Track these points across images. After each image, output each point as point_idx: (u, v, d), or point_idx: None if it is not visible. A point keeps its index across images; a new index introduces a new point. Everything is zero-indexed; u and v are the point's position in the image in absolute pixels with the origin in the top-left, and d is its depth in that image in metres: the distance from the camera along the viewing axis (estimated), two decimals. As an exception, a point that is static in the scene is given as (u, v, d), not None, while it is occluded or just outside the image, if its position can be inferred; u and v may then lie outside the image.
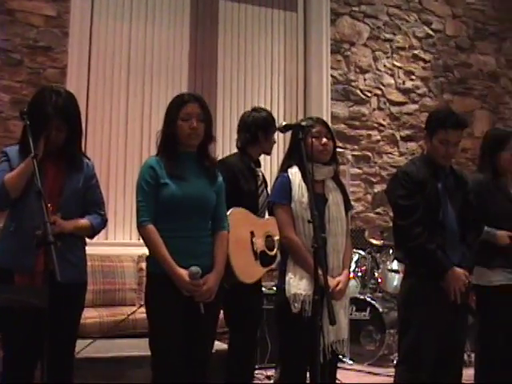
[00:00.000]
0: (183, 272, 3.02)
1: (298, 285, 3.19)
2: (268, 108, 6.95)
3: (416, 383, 3.40)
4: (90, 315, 4.90)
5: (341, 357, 4.95)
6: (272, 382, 5.04)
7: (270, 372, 5.23)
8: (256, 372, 5.20)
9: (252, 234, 3.77)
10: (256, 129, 4.00)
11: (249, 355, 3.87)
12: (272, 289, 5.26)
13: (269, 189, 4.07)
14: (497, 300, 3.88)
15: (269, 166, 6.77)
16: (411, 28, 8.04)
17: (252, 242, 3.78)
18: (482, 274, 3.93)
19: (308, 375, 3.24)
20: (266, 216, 3.94)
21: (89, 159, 3.28)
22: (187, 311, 3.06)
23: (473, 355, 5.84)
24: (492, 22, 8.81)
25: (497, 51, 8.84)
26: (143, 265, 5.19)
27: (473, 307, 3.90)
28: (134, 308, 4.97)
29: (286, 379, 3.34)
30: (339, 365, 3.62)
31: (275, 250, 3.92)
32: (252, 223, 3.71)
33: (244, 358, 3.83)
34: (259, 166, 4.06)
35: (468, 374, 3.92)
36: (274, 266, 3.96)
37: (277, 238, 3.89)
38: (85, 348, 4.11)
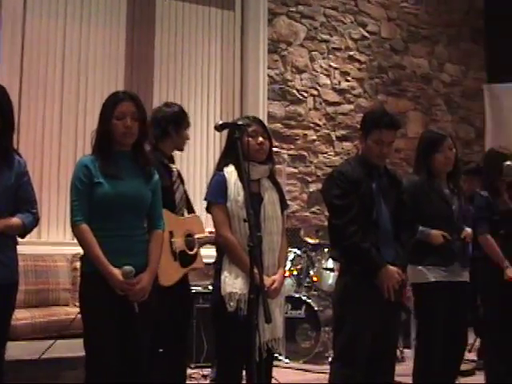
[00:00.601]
0: (116, 271, 2.99)
1: (233, 283, 3.20)
2: (205, 107, 7.03)
3: (351, 380, 3.44)
4: (21, 316, 4.78)
5: (276, 355, 4.98)
6: (208, 381, 5.03)
7: (206, 371, 5.21)
8: (192, 371, 5.22)
9: (171, 234, 3.69)
10: (167, 124, 3.88)
11: (179, 355, 3.82)
12: (208, 288, 5.25)
13: (186, 185, 4.03)
14: (432, 296, 3.96)
15: (205, 164, 6.75)
16: (347, 29, 8.15)
17: (170, 243, 3.71)
18: (417, 272, 4.02)
19: (244, 374, 3.25)
20: (186, 214, 3.90)
21: (21, 156, 3.21)
22: (121, 311, 3.03)
23: (405, 351, 6.00)
24: (425, 26, 9.01)
25: (429, 54, 9.04)
26: (77, 264, 5.09)
27: (406, 304, 3.98)
28: (67, 308, 4.87)
29: (222, 378, 3.34)
30: (275, 363, 3.62)
31: (195, 249, 3.88)
32: (171, 223, 3.62)
33: (174, 358, 3.79)
34: (173, 161, 3.95)
35: (400, 369, 4.00)
36: (197, 265, 3.92)
37: (197, 236, 3.87)
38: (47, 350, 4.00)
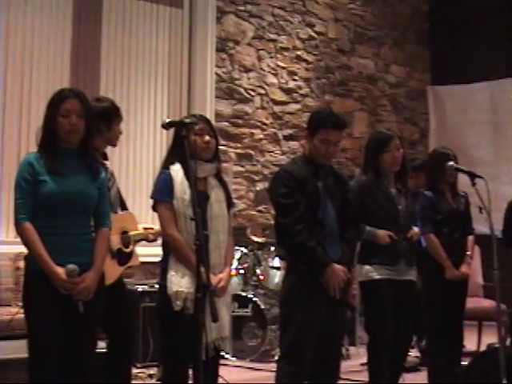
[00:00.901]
0: (60, 270, 2.96)
1: (179, 282, 3.19)
2: (152, 104, 6.98)
3: (297, 378, 3.47)
4: (-38, 316, 4.68)
5: (223, 353, 4.99)
6: (154, 381, 5.00)
7: (153, 371, 5.18)
8: (138, 371, 5.17)
9: None
10: (97, 119, 3.82)
11: (121, 355, 3.78)
12: (154, 286, 5.22)
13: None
14: (379, 293, 4.03)
15: (152, 162, 6.70)
16: (295, 29, 8.19)
17: None
18: (364, 271, 4.09)
19: (191, 373, 3.24)
20: (119, 211, 3.85)
21: None
22: (66, 310, 3.00)
23: (350, 348, 6.07)
24: (371, 28, 9.13)
25: (375, 55, 9.16)
26: (21, 263, 5.00)
27: (351, 302, 4.03)
28: (10, 309, 4.77)
29: (168, 378, 3.33)
30: (221, 361, 3.63)
31: (131, 246, 3.85)
32: None
33: (117, 358, 3.74)
34: (106, 158, 3.89)
35: (345, 365, 4.05)
36: (133, 262, 3.89)
37: (132, 233, 3.85)
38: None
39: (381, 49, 9.26)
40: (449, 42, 9.71)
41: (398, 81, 9.44)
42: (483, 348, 6.00)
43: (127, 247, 3.82)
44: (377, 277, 4.04)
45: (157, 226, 3.87)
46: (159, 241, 3.62)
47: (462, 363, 4.68)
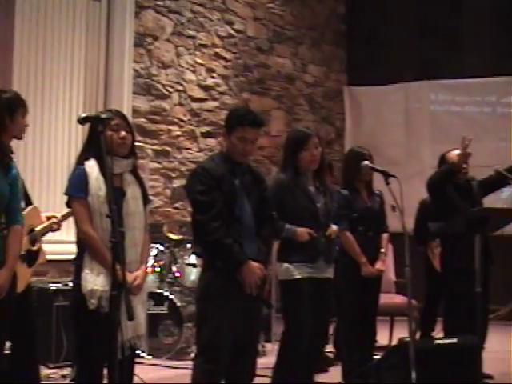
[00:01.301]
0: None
1: (94, 280, 3.13)
2: (67, 99, 6.81)
3: (213, 375, 3.47)
4: None
5: (139, 352, 4.94)
6: (68, 381, 4.90)
7: (66, 371, 5.07)
8: (51, 371, 5.07)
9: None
10: (0, 112, 3.71)
11: (25, 356, 3.67)
12: (68, 285, 5.11)
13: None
14: (298, 292, 4.07)
15: (67, 157, 6.54)
16: (214, 27, 8.18)
17: None
18: (284, 269, 4.11)
19: (106, 372, 3.19)
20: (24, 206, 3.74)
21: None
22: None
23: (267, 345, 6.11)
24: (290, 27, 9.22)
25: (293, 55, 9.26)
26: None
27: (267, 299, 4.05)
28: None
29: (82, 378, 3.27)
30: (137, 360, 3.59)
31: (38, 243, 3.76)
32: None
33: (21, 359, 3.64)
34: (12, 152, 3.77)
35: (262, 363, 4.07)
36: (41, 259, 3.80)
37: (38, 228, 3.76)
38: None
39: (299, 48, 9.37)
40: (365, 43, 9.93)
41: (315, 80, 9.58)
42: (395, 342, 6.17)
43: (34, 245, 3.72)
44: (297, 276, 4.07)
45: (59, 214, 3.79)
46: (74, 238, 3.54)
47: (375, 357, 4.79)
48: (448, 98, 9.64)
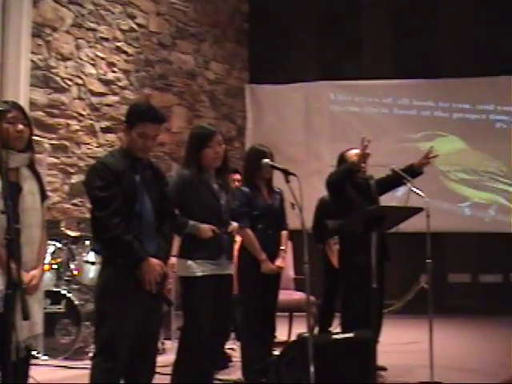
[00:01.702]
0: None
1: (-13, 279, 3.02)
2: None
3: (112, 374, 3.42)
4: None
5: (34, 352, 4.80)
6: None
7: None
8: None
9: None
10: None
11: None
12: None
13: None
14: (200, 289, 4.05)
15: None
16: (116, 20, 8.05)
17: None
18: (186, 266, 4.09)
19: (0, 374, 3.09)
20: None
21: None
22: None
23: (166, 343, 6.08)
24: (193, 24, 9.19)
25: (196, 51, 9.24)
26: None
27: (167, 296, 4.03)
28: None
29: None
30: (33, 361, 3.49)
31: None
32: None
33: None
34: None
35: (161, 360, 4.05)
36: None
37: None
38: None
39: (201, 45, 9.36)
40: (267, 42, 10.02)
41: (217, 78, 9.59)
42: (294, 338, 6.27)
43: None
44: (199, 273, 4.07)
45: None
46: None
47: (274, 352, 4.85)
48: (347, 99, 9.88)
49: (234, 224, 4.31)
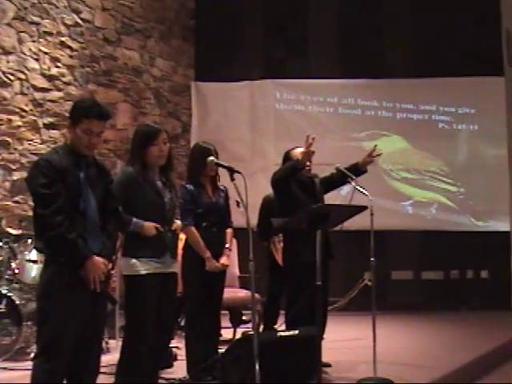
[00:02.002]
0: None
1: None
2: None
3: (54, 374, 3.37)
4: None
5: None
6: None
7: None
8: None
9: None
10: None
11: None
12: None
13: None
14: (144, 288, 4.03)
15: None
16: (60, 14, 7.92)
17: None
18: (130, 264, 4.07)
19: None
20: None
21: None
22: None
23: (110, 341, 6.02)
24: (139, 20, 9.12)
25: (141, 47, 9.17)
26: None
27: (111, 295, 3.99)
28: None
29: None
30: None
31: None
32: None
33: None
34: None
35: (105, 360, 4.01)
36: None
37: None
38: None
39: (147, 42, 9.29)
40: (213, 39, 10.01)
41: (162, 74, 9.54)
42: (239, 335, 6.30)
43: None
44: (143, 272, 4.05)
45: None
46: None
47: (219, 350, 4.85)
48: (292, 97, 9.95)
49: (178, 222, 4.30)
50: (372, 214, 4.97)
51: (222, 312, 5.11)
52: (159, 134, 4.19)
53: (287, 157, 5.35)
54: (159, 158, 4.18)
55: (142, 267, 4.05)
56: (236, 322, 6.56)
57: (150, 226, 4.05)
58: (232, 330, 6.44)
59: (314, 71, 9.91)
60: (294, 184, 5.16)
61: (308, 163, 5.09)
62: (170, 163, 4.28)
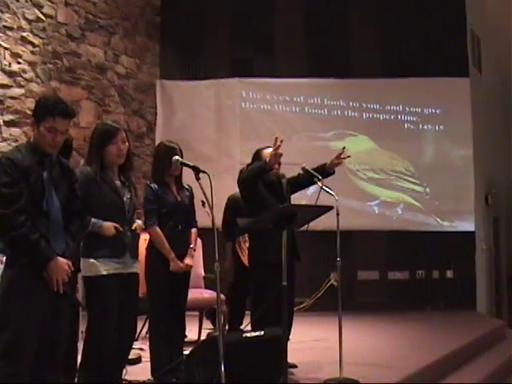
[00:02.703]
0: None
1: None
2: None
3: (16, 379, 3.33)
4: None
5: None
6: None
7: None
8: None
9: None
10: None
11: None
12: None
13: None
14: (104, 289, 4.02)
15: None
16: (21, 9, 7.83)
17: None
18: (89, 265, 4.05)
19: None
20: None
21: None
22: None
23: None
24: (103, 16, 9.06)
25: (105, 44, 9.11)
26: None
27: (75, 296, 3.98)
28: None
29: None
30: None
31: None
32: None
33: None
34: None
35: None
36: None
37: None
38: None
39: (111, 38, 9.23)
40: (179, 37, 9.99)
41: (127, 72, 9.49)
42: (204, 337, 6.30)
43: None
44: (103, 272, 4.03)
45: None
46: None
47: (184, 352, 4.85)
48: (259, 97, 9.97)
49: (138, 221, 4.30)
50: (338, 214, 5.01)
51: (188, 313, 5.10)
52: (118, 132, 4.17)
53: (257, 155, 5.35)
54: (118, 157, 4.17)
55: (101, 267, 4.03)
56: (211, 317, 6.61)
57: (108, 226, 4.04)
58: (197, 330, 6.44)
59: (280, 70, 9.95)
60: (261, 184, 5.18)
61: (276, 166, 5.12)
62: (129, 162, 4.27)
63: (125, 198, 4.17)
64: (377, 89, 9.96)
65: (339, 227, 5.05)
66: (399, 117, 9.98)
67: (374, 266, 9.95)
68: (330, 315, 5.44)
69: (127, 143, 4.22)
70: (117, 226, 4.06)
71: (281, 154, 4.95)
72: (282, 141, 4.83)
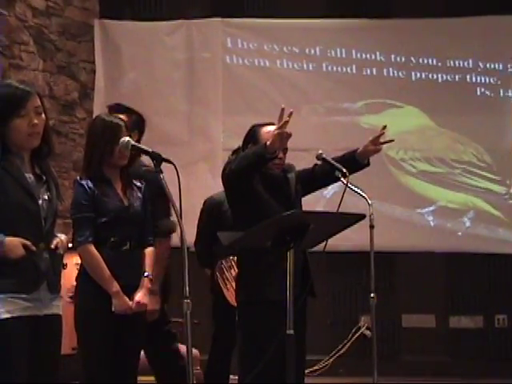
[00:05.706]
0: None
1: None
2: None
3: None
4: None
5: None
6: None
7: None
8: None
9: None
10: None
11: None
12: None
13: None
14: (4, 339, 4.01)
15: None
16: None
17: None
18: None
19: None
20: None
21: None
22: None
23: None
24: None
25: None
26: None
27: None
28: None
29: None
30: None
31: None
32: None
33: None
34: None
35: None
36: None
37: None
38: None
39: None
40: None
41: (48, 6, 9.41)
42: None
43: None
44: (4, 315, 4.02)
45: None
46: None
47: None
48: (251, 47, 10.02)
49: (62, 236, 4.28)
50: (372, 227, 5.02)
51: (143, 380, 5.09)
52: (28, 98, 4.15)
53: (253, 136, 5.30)
54: (29, 137, 4.16)
55: (1, 308, 4.01)
56: None
57: (14, 244, 4.03)
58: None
59: (284, 7, 9.92)
60: (258, 180, 5.13)
61: (281, 154, 5.09)
62: (47, 146, 4.27)
63: (40, 201, 4.17)
64: (433, 35, 9.90)
65: (374, 247, 5.02)
66: (468, 78, 9.93)
67: (429, 306, 9.91)
68: (360, 382, 5.42)
69: (44, 115, 4.20)
70: (27, 243, 4.04)
71: (289, 135, 4.87)
72: (290, 113, 4.76)
